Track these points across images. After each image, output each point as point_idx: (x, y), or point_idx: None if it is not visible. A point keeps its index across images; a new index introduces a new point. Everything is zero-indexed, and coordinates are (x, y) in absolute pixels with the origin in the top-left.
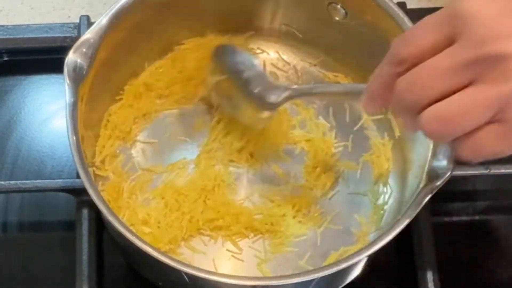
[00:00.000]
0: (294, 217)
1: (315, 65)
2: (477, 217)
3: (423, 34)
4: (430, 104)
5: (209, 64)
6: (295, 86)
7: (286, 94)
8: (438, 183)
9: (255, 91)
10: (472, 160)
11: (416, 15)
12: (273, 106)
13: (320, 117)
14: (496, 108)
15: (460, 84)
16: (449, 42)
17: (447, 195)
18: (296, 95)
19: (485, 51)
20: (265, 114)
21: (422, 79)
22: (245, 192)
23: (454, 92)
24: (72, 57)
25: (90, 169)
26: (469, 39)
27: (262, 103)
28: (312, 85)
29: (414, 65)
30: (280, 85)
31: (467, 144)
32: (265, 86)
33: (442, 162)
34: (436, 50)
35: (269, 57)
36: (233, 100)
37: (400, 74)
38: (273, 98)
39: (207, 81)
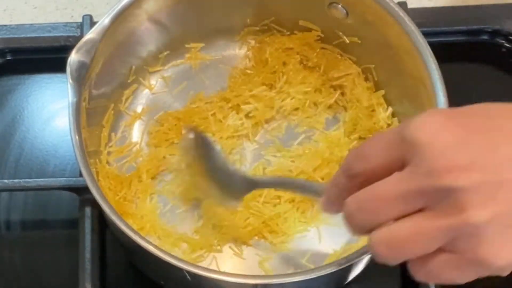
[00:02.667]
0: (295, 216)
1: None
2: None
3: (374, 153)
4: (379, 225)
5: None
6: (258, 178)
7: (250, 186)
8: None
9: (222, 181)
10: (428, 282)
11: (417, 14)
12: (238, 197)
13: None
14: (445, 238)
15: (409, 211)
16: (400, 164)
17: None
18: (261, 186)
19: (435, 183)
20: (232, 203)
21: (371, 204)
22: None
23: (404, 215)
24: (74, 57)
25: (93, 169)
26: (419, 167)
27: (228, 192)
28: (277, 178)
29: (367, 180)
30: (245, 177)
31: (419, 267)
32: (230, 177)
33: None
34: (388, 169)
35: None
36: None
37: (354, 185)
38: (238, 189)
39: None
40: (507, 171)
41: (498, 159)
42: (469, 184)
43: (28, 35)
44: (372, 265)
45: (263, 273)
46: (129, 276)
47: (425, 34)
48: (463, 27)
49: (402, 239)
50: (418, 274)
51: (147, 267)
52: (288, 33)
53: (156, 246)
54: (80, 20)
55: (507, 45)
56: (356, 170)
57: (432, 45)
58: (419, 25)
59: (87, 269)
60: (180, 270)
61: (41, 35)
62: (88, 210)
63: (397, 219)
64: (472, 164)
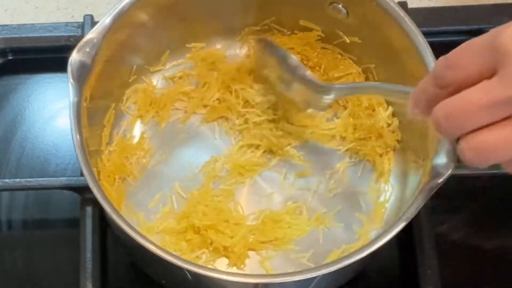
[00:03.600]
0: (296, 216)
1: None
2: (478, 215)
3: (465, 61)
4: (469, 131)
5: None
6: (332, 84)
7: (335, 92)
8: (439, 181)
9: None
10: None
11: (417, 14)
12: (327, 93)
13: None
14: None
15: (497, 119)
16: (491, 72)
17: (448, 193)
18: (338, 94)
19: None
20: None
21: (459, 112)
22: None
23: (491, 123)
24: (75, 57)
25: (94, 169)
26: (508, 77)
27: (315, 88)
28: (352, 84)
29: (456, 89)
30: (319, 83)
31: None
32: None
33: (443, 161)
34: (478, 78)
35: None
36: (288, 83)
37: (444, 93)
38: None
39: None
40: None
41: None
42: None
43: (29, 35)
44: (372, 264)
45: (264, 272)
46: (130, 275)
47: (425, 34)
48: (463, 27)
49: (492, 146)
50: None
51: (148, 266)
52: (289, 33)
53: (157, 246)
54: (81, 20)
55: None
56: (446, 80)
57: (432, 45)
58: (419, 24)
59: (88, 268)
60: (180, 269)
61: (42, 35)
62: (89, 210)
63: (484, 126)
64: None
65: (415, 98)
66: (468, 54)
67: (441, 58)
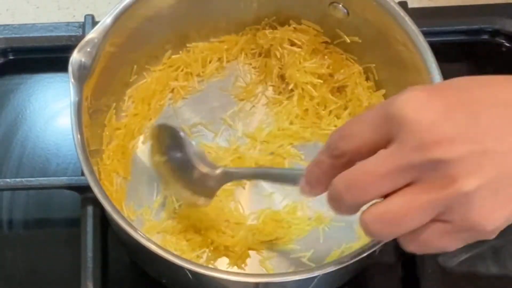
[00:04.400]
0: (296, 215)
1: None
2: None
3: (360, 131)
4: (367, 202)
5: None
6: (233, 170)
7: (223, 179)
8: None
9: (194, 176)
10: (417, 253)
11: (418, 14)
12: (211, 193)
13: None
14: (437, 210)
15: (398, 186)
16: (386, 141)
17: None
18: (235, 178)
19: (424, 157)
20: (201, 200)
21: (359, 182)
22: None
23: (393, 191)
24: (76, 57)
25: (95, 168)
26: (407, 143)
27: (201, 188)
28: (252, 169)
29: (352, 159)
30: (217, 168)
31: (411, 239)
32: (203, 170)
33: None
34: (373, 148)
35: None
36: (172, 183)
37: (338, 165)
38: (211, 183)
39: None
40: (489, 139)
41: (480, 129)
42: (457, 155)
43: (30, 35)
44: (373, 264)
45: (264, 272)
46: (130, 275)
47: (426, 34)
48: (464, 27)
49: (396, 215)
50: (410, 245)
51: (148, 265)
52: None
53: (157, 245)
54: (82, 20)
55: (508, 44)
56: (341, 150)
57: (433, 45)
58: (419, 24)
59: (89, 267)
60: (181, 268)
61: (43, 34)
62: (90, 209)
63: (386, 195)
64: (457, 136)
65: (308, 174)
66: (362, 123)
67: (336, 129)
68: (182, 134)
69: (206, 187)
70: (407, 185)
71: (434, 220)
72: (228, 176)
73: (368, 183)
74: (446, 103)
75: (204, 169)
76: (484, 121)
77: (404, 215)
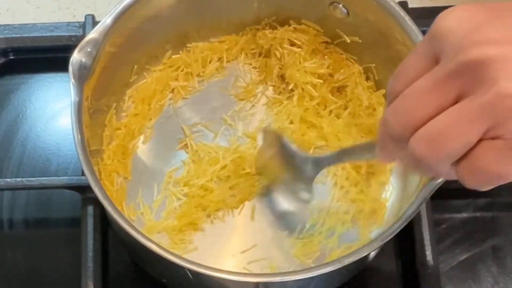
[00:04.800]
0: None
1: None
2: (478, 214)
3: (410, 65)
4: (416, 127)
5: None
6: (321, 156)
7: (316, 167)
8: (439, 180)
9: (296, 165)
10: (479, 188)
11: (418, 14)
12: (309, 183)
13: None
14: (486, 120)
15: (445, 102)
16: (435, 64)
17: (448, 192)
18: (326, 164)
19: (462, 59)
20: (304, 195)
21: (406, 103)
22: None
23: (442, 110)
24: (77, 57)
25: (95, 168)
26: (447, 53)
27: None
28: (338, 152)
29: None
30: (309, 157)
31: (466, 167)
32: (298, 163)
33: None
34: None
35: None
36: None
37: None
38: (307, 174)
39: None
40: None
41: None
42: (498, 54)
43: (31, 35)
44: (373, 264)
45: (264, 272)
46: (131, 275)
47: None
48: None
49: (440, 132)
50: (466, 175)
51: (149, 265)
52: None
53: (158, 245)
54: (83, 20)
55: None
56: (397, 90)
57: None
58: (420, 24)
59: (89, 267)
60: (182, 268)
61: (44, 34)
62: (90, 209)
63: (434, 115)
64: (498, 38)
65: (378, 132)
66: (410, 58)
67: (390, 78)
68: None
69: (304, 177)
70: (458, 101)
71: (483, 140)
72: (318, 163)
73: (413, 101)
74: (489, 11)
75: (301, 157)
76: None
77: (449, 131)
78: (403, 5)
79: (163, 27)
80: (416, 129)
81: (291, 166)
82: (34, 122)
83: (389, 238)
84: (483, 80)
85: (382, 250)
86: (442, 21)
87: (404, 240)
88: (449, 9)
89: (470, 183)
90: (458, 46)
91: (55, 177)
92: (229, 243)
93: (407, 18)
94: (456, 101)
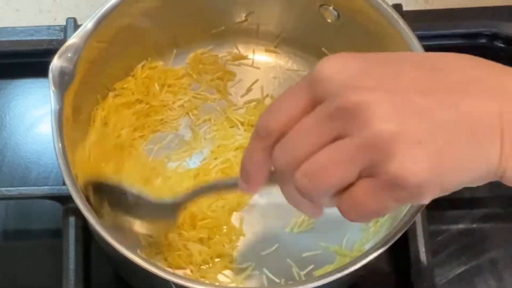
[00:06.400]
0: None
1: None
2: (474, 225)
3: (286, 103)
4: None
5: None
6: (180, 198)
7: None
8: None
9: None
10: (357, 221)
11: (413, 17)
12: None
13: None
14: (361, 159)
15: (326, 141)
16: (314, 107)
17: (444, 203)
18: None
19: (340, 103)
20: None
21: (290, 143)
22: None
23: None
24: (57, 63)
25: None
26: (327, 97)
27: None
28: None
29: (283, 134)
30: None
31: (346, 201)
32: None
33: None
34: (303, 116)
35: (262, 60)
36: None
37: (270, 148)
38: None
39: None
40: (412, 94)
41: (403, 84)
42: (373, 99)
43: (10, 39)
44: (367, 275)
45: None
46: (114, 287)
47: (421, 38)
48: (461, 30)
49: (321, 167)
50: (345, 208)
51: (133, 278)
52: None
53: (142, 257)
54: (64, 23)
55: (506, 48)
56: (270, 127)
57: (428, 49)
58: (415, 28)
59: (71, 280)
60: (166, 281)
61: (24, 38)
62: (72, 220)
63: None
64: (376, 86)
65: (243, 165)
66: (286, 97)
67: (262, 112)
68: None
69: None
70: (335, 140)
71: (361, 177)
72: (178, 206)
73: (298, 139)
74: (367, 61)
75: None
76: (405, 78)
77: (327, 166)
78: (398, 7)
79: (146, 32)
80: (300, 165)
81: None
82: (13, 129)
83: (383, 250)
84: (358, 122)
85: (376, 262)
86: (322, 69)
87: (399, 252)
88: (328, 58)
89: (349, 216)
90: (337, 92)
91: (35, 187)
92: None
93: (400, 20)
94: (336, 140)
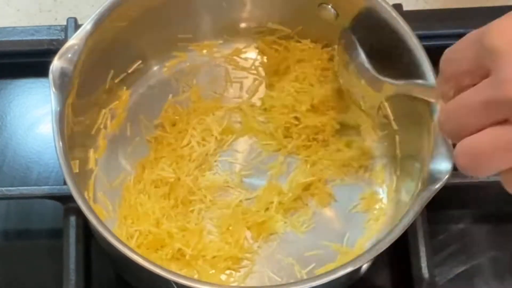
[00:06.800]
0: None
1: None
2: (474, 225)
3: (459, 58)
4: (467, 135)
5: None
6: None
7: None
8: (436, 187)
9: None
10: None
11: (413, 17)
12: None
13: None
14: None
15: (492, 121)
16: (486, 70)
17: (444, 203)
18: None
19: (509, 95)
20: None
21: (455, 114)
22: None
23: (489, 124)
24: (57, 64)
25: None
26: (498, 78)
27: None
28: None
29: (458, 85)
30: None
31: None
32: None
33: (440, 166)
34: (476, 75)
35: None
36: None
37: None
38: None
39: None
40: None
41: None
42: None
43: (11, 38)
44: (366, 276)
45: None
46: (114, 287)
47: (421, 37)
48: (460, 30)
49: (484, 150)
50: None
51: (133, 277)
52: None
53: (143, 257)
54: (64, 23)
55: None
56: (447, 74)
57: (428, 49)
58: (415, 28)
59: (72, 280)
60: (167, 281)
61: (24, 38)
62: (72, 219)
63: (482, 128)
64: None
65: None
66: (462, 50)
67: (448, 49)
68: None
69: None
70: (503, 123)
71: None
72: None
73: (463, 115)
74: None
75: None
76: None
77: (493, 153)
78: (398, 7)
79: (146, 32)
80: (466, 136)
81: (359, 78)
82: (14, 129)
83: (383, 249)
84: None
85: (376, 262)
86: (495, 39)
87: (399, 252)
88: (501, 22)
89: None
90: (509, 77)
91: (36, 187)
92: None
93: (399, 18)
94: (502, 120)
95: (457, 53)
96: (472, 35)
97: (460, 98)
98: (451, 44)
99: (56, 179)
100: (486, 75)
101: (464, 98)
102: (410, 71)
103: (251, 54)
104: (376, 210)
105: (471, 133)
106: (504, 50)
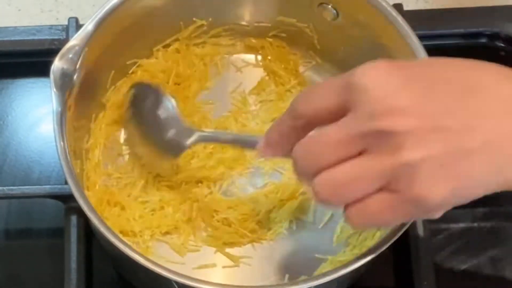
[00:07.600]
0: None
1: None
2: (475, 224)
3: (320, 96)
4: (323, 170)
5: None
6: (205, 132)
7: (194, 138)
8: None
9: (168, 135)
10: (359, 228)
11: (413, 17)
12: (181, 150)
13: None
14: (384, 179)
15: (351, 154)
16: (345, 110)
17: None
18: (205, 140)
19: (374, 126)
20: (168, 161)
21: (315, 149)
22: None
23: (346, 160)
24: (58, 64)
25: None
26: (360, 112)
27: (172, 147)
28: (221, 132)
29: (311, 123)
30: (190, 129)
31: (356, 209)
32: (177, 129)
33: None
34: (333, 114)
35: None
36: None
37: (297, 128)
38: (184, 141)
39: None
40: (441, 118)
41: (435, 107)
42: (405, 128)
43: (12, 38)
44: (366, 276)
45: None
46: (115, 287)
47: (421, 37)
48: (461, 30)
49: (344, 181)
50: (354, 216)
51: (134, 277)
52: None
53: (144, 257)
54: (66, 23)
55: (507, 48)
56: (300, 112)
57: (429, 49)
58: (415, 27)
59: (73, 279)
60: (168, 281)
61: (25, 38)
62: (73, 219)
63: (339, 163)
64: (409, 109)
65: (268, 135)
66: (323, 89)
67: (300, 93)
68: (161, 92)
69: (176, 146)
70: (361, 153)
71: (382, 191)
72: (201, 139)
73: (322, 150)
74: (404, 77)
75: (180, 128)
76: (439, 98)
77: (351, 181)
78: (398, 7)
79: (147, 32)
80: (322, 170)
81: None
82: (16, 129)
83: (383, 249)
84: (389, 147)
85: (376, 261)
86: (360, 77)
87: (399, 251)
88: (371, 68)
89: (353, 221)
90: (373, 111)
91: (37, 186)
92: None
93: (399, 18)
94: (360, 153)
95: (317, 92)
96: (335, 79)
97: (319, 134)
98: (451, 44)
99: (57, 178)
100: (343, 114)
101: (324, 134)
102: None
103: (251, 55)
104: None
105: (329, 167)
106: (367, 86)
